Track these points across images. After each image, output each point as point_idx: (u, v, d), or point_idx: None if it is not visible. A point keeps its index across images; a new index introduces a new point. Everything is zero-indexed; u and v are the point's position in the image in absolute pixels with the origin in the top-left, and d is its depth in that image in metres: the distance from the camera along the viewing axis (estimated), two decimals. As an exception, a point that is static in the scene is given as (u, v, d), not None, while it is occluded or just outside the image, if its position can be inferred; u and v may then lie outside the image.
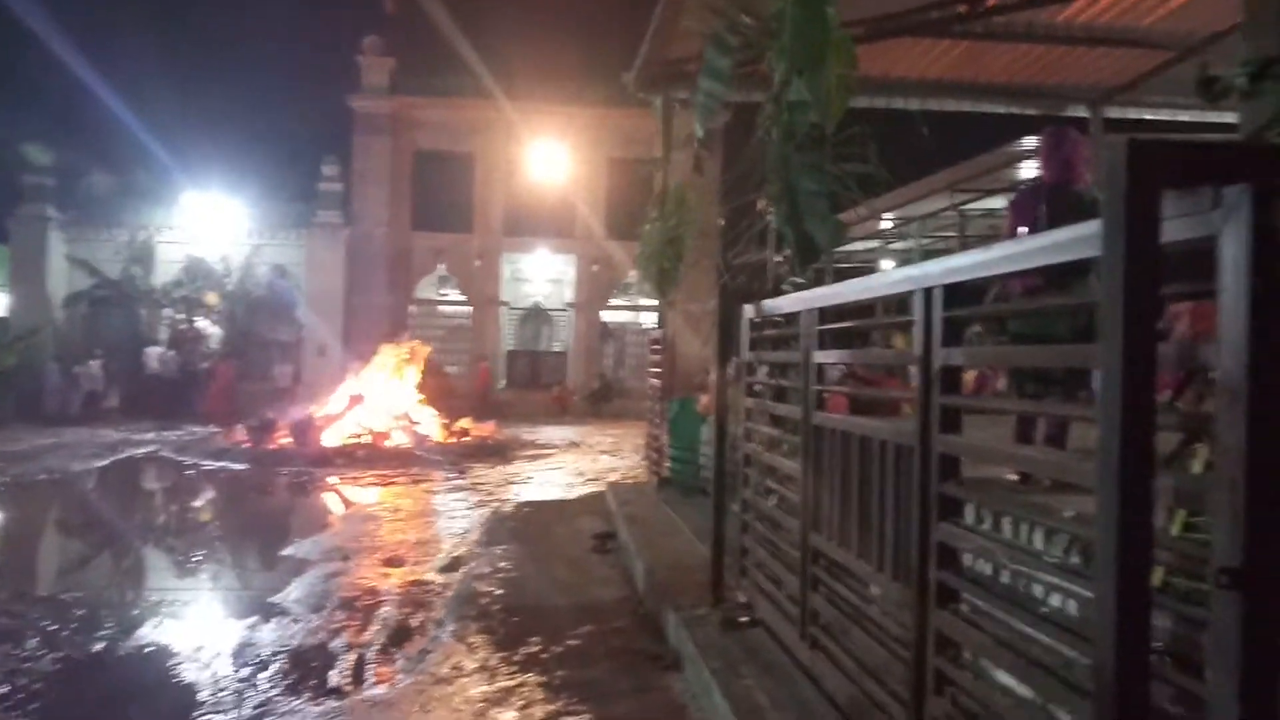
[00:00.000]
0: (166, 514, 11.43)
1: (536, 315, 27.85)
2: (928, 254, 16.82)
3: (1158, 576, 1.78)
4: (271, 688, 4.68)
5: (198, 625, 6.01)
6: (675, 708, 4.30)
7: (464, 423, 17.82)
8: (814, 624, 3.78)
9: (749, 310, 5.00)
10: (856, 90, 4.89)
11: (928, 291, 2.84)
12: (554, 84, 25.48)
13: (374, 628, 5.74)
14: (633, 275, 22.99)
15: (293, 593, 6.61)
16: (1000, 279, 3.72)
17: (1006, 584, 2.78)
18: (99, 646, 5.37)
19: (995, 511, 2.93)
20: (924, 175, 14.67)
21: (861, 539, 3.36)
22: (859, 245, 20.24)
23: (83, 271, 24.68)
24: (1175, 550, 1.86)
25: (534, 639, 5.31)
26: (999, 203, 15.08)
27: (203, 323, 25.49)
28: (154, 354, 24.25)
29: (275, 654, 5.19)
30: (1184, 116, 11.19)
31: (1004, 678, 2.47)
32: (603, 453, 16.31)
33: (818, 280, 4.90)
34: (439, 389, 18.96)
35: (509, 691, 4.54)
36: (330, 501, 11.64)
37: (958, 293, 2.76)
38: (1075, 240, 2.08)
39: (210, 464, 14.19)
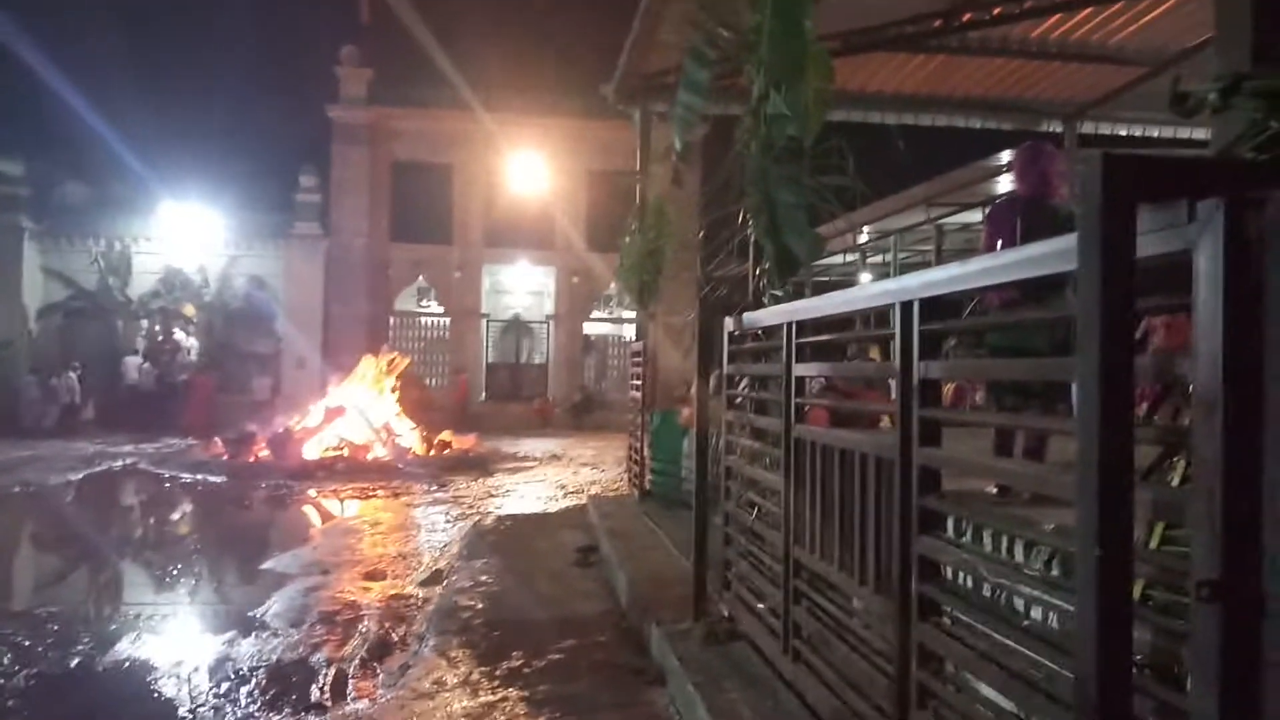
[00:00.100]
0: (144, 527, 11.32)
1: (517, 327, 27.81)
2: (905, 267, 16.94)
3: (1137, 589, 1.80)
4: (251, 703, 4.64)
5: (176, 640, 5.95)
6: (658, 722, 4.30)
7: (445, 435, 17.76)
8: (797, 637, 3.79)
9: (729, 323, 5.01)
10: (834, 104, 4.94)
11: (906, 305, 2.86)
12: (532, 96, 25.50)
13: (355, 642, 5.70)
14: (613, 287, 23.02)
15: (272, 607, 6.56)
16: (978, 292, 3.76)
17: (988, 597, 2.79)
18: (75, 662, 5.31)
19: (976, 524, 2.95)
20: (901, 189, 14.79)
21: (843, 552, 3.37)
22: (837, 259, 20.35)
23: (58, 283, 24.46)
24: (1154, 563, 1.88)
25: (516, 653, 5.28)
26: (975, 217, 15.21)
27: (180, 334, 25.29)
28: (132, 364, 24.04)
29: (255, 669, 5.15)
30: (1156, 131, 11.36)
31: (987, 691, 2.49)
32: (584, 465, 16.29)
33: (797, 293, 4.93)
34: (418, 401, 18.88)
35: (491, 706, 4.52)
36: (310, 515, 11.56)
37: (936, 306, 2.78)
38: (1052, 254, 2.10)
39: (188, 477, 14.07)
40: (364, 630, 5.96)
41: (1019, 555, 2.73)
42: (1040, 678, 2.18)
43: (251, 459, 15.14)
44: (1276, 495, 1.47)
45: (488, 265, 26.88)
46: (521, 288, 27.59)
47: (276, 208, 25.70)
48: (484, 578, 7.40)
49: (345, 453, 15.44)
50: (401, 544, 9.22)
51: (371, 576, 7.60)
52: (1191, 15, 8.31)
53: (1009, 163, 11.66)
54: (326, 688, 4.89)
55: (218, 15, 36.73)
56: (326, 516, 11.32)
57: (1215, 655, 1.45)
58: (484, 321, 27.02)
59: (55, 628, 5.96)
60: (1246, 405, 1.50)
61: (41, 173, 24.62)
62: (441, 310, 26.88)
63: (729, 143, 4.93)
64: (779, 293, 4.72)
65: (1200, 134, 10.84)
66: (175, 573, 8.04)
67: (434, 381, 25.13)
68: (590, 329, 27.79)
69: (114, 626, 6.11)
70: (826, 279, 20.29)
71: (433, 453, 16.63)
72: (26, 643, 5.60)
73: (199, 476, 14.08)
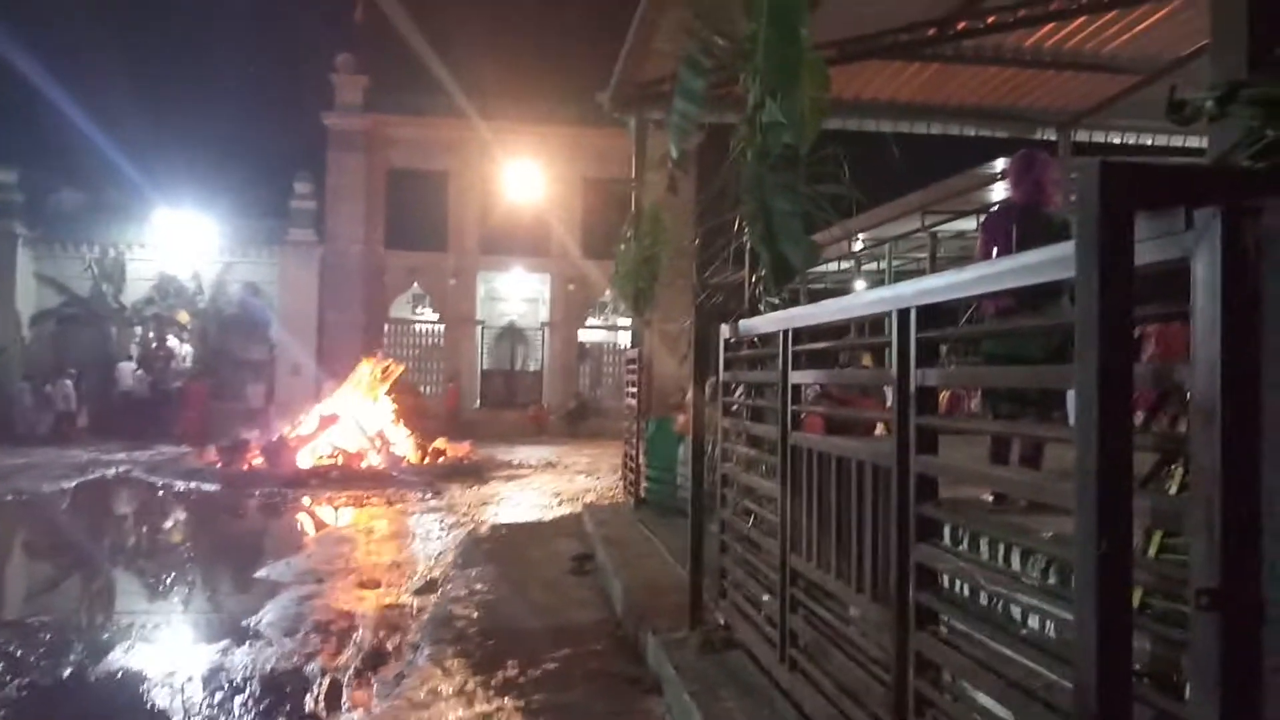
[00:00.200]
0: (138, 535, 11.29)
1: (512, 334, 27.80)
2: (899, 275, 16.97)
3: (1135, 597, 1.80)
4: (245, 713, 4.63)
5: (170, 649, 5.92)
6: (654, 730, 4.29)
7: (439, 443, 17.72)
8: (794, 645, 3.78)
9: (725, 330, 5.01)
10: (829, 112, 4.94)
11: (903, 312, 2.85)
12: (528, 103, 25.54)
13: (349, 651, 5.68)
14: (608, 294, 23.03)
15: (266, 616, 6.53)
16: (974, 300, 3.77)
17: (985, 605, 2.79)
18: (68, 672, 5.28)
19: (973, 532, 2.94)
20: (896, 197, 14.82)
21: (840, 560, 3.37)
22: (832, 266, 20.38)
23: (51, 289, 24.39)
24: (1153, 571, 1.87)
25: (511, 662, 5.27)
26: (970, 224, 15.24)
27: (174, 341, 25.24)
28: (127, 370, 23.97)
29: (249, 678, 5.13)
30: (1150, 139, 11.39)
31: (984, 699, 2.48)
32: (579, 473, 16.26)
33: (792, 300, 4.93)
34: (412, 408, 18.84)
35: (486, 716, 4.50)
36: (304, 523, 11.53)
37: (933, 314, 2.78)
38: (1049, 262, 2.11)
39: (182, 484, 14.02)
40: (358, 639, 5.94)
41: (1016, 563, 2.73)
42: (1038, 686, 2.18)
43: (245, 467, 15.10)
44: (1275, 502, 1.47)
45: (483, 272, 26.88)
46: (516, 295, 27.59)
47: (271, 214, 25.68)
48: (479, 586, 7.37)
49: (339, 460, 15.40)
50: (396, 552, 9.20)
51: (366, 585, 7.57)
52: (1185, 24, 8.34)
53: (1003, 170, 11.69)
54: (321, 697, 4.87)
55: (213, 23, 36.76)
56: (320, 525, 11.28)
57: (1215, 663, 1.44)
58: (479, 329, 27.00)
59: (48, 636, 5.93)
60: (1244, 413, 1.50)
61: (35, 179, 24.56)
62: (436, 317, 26.87)
63: (724, 150, 4.94)
64: (775, 300, 4.72)
65: (1194, 142, 10.88)
66: (168, 581, 8.01)
67: (429, 389, 25.08)
68: (585, 336, 27.79)
69: (107, 635, 6.08)
70: (821, 286, 20.32)
71: (427, 460, 16.60)
72: (19, 652, 5.57)
73: (193, 484, 14.02)
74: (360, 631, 6.13)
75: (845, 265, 20.73)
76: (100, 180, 25.61)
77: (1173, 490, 1.99)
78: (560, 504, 12.36)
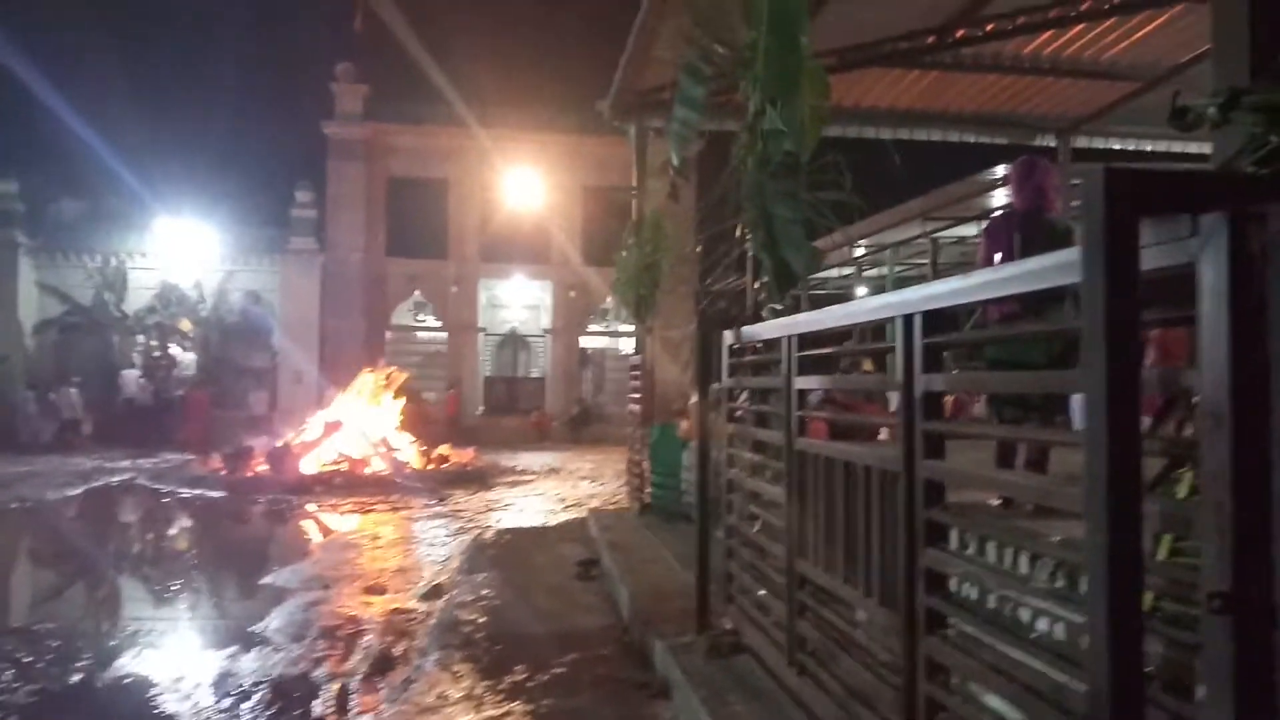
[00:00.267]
0: (143, 542, 11.29)
1: (514, 341, 27.85)
2: (900, 281, 17.00)
3: (1146, 601, 1.82)
4: (253, 718, 4.64)
5: (177, 655, 5.94)
6: (663, 735, 4.30)
7: (443, 449, 17.74)
8: (802, 650, 3.80)
9: (728, 336, 5.03)
10: (830, 119, 4.96)
11: (908, 318, 2.88)
12: (528, 111, 25.62)
13: (356, 657, 5.69)
14: (610, 301, 23.06)
15: (273, 622, 6.55)
16: (979, 305, 3.79)
17: (993, 609, 2.81)
18: (76, 678, 5.29)
19: (981, 536, 2.96)
20: (897, 203, 14.86)
21: (848, 565, 3.39)
22: (834, 272, 20.41)
23: (53, 298, 24.46)
24: (1163, 575, 1.90)
25: (519, 667, 5.28)
26: (970, 230, 15.28)
27: (176, 349, 25.27)
28: (131, 377, 24.03)
29: (257, 684, 5.13)
30: (1149, 146, 11.42)
31: (995, 702, 2.50)
32: (582, 479, 16.28)
33: (794, 306, 4.95)
34: (415, 415, 18.88)
35: (494, 721, 4.52)
36: (309, 529, 11.54)
37: (938, 319, 2.80)
38: (1053, 267, 2.13)
39: (187, 492, 14.04)
40: (366, 645, 5.95)
41: (1024, 567, 2.75)
42: (1048, 689, 2.20)
43: (249, 474, 15.12)
44: (1284, 506, 1.49)
45: (484, 280, 26.94)
46: (518, 302, 27.64)
47: (272, 223, 25.76)
48: (485, 592, 7.39)
49: (343, 467, 15.42)
50: (401, 558, 9.21)
51: (372, 591, 7.58)
52: (1184, 31, 8.37)
53: (1004, 177, 11.72)
54: (329, 703, 4.88)
55: (214, 32, 36.84)
56: (325, 531, 11.30)
57: (1228, 665, 1.47)
58: (481, 335, 27.04)
59: (56, 644, 5.94)
60: (1254, 416, 1.52)
61: (36, 188, 24.66)
62: (438, 325, 26.90)
63: (724, 158, 4.96)
64: (778, 306, 4.75)
65: (1194, 148, 10.92)
66: (175, 588, 8.03)
67: (432, 396, 25.12)
68: (587, 342, 27.82)
69: (114, 642, 6.09)
70: (823, 292, 20.35)
71: (431, 467, 16.62)
72: (27, 659, 5.59)
73: (197, 492, 14.05)
74: (367, 637, 6.13)
75: (846, 271, 20.77)
76: (101, 189, 25.75)
77: (1182, 494, 2.01)
78: (564, 509, 12.38)
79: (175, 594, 7.82)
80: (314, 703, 4.89)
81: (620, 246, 10.29)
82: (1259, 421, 1.51)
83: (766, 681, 4.15)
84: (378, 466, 15.84)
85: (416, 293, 26.71)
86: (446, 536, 10.31)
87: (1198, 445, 1.67)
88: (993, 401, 4.88)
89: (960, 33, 8.47)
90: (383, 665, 5.53)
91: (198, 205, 24.73)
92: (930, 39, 8.55)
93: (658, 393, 10.79)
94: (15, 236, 23.68)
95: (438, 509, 12.55)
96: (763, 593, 4.39)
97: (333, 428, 16.32)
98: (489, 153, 24.76)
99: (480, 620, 6.48)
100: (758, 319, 4.85)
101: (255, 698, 4.92)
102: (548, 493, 14.43)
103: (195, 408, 22.81)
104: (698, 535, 5.20)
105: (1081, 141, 11.29)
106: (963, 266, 14.57)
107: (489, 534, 10.38)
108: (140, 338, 25.03)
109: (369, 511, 12.35)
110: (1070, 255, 1.99)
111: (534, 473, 17.23)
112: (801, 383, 4.01)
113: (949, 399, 9.97)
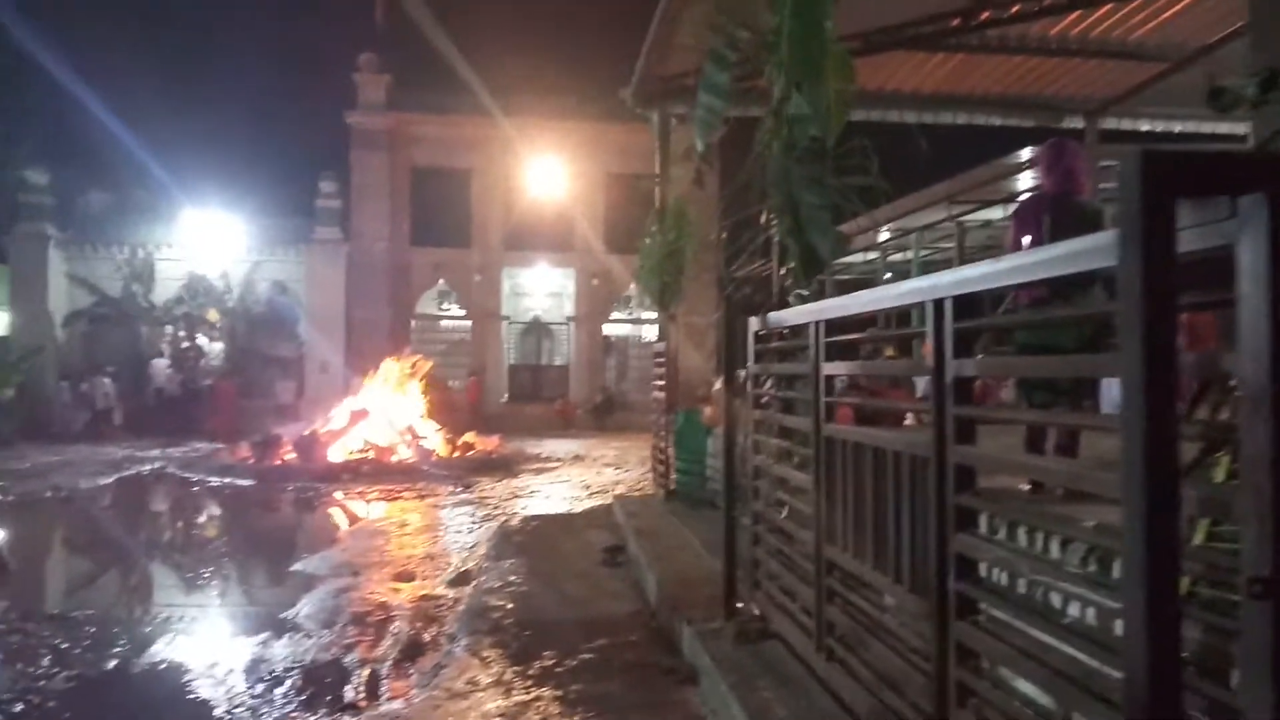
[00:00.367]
0: (174, 530, 11.45)
1: (537, 329, 27.90)
2: (926, 265, 16.88)
3: (1183, 586, 1.81)
4: (286, 704, 4.70)
5: (210, 641, 6.02)
6: (693, 721, 4.32)
7: (468, 437, 17.84)
8: (830, 636, 3.80)
9: (754, 322, 5.02)
10: (855, 104, 4.93)
11: (938, 303, 2.86)
12: (551, 99, 25.58)
13: (386, 643, 5.75)
14: (633, 289, 23.06)
15: (304, 608, 6.62)
16: (1010, 290, 3.76)
17: (1024, 594, 2.80)
18: (112, 664, 5.39)
19: (1011, 521, 2.95)
20: (922, 187, 14.73)
21: (877, 551, 3.38)
22: (858, 257, 20.28)
23: (83, 289, 24.72)
24: (1200, 559, 1.88)
25: (547, 653, 5.32)
26: (997, 214, 15.14)
27: (204, 340, 25.51)
28: (160, 367, 24.28)
29: (289, 670, 5.20)
30: (1179, 127, 11.28)
31: (1026, 688, 2.49)
32: (607, 465, 16.33)
33: (819, 292, 4.93)
34: (441, 403, 18.99)
35: (525, 706, 4.55)
36: (337, 516, 11.65)
37: (968, 304, 2.78)
38: (1085, 251, 2.10)
39: (216, 480, 14.22)
40: (395, 631, 6.01)
41: (1055, 552, 2.74)
42: (1080, 674, 2.19)
43: (278, 462, 15.27)
44: (1324, 490, 1.47)
45: (507, 268, 26.99)
46: (541, 290, 27.68)
47: (297, 213, 25.89)
48: (512, 578, 7.44)
49: (370, 455, 15.55)
50: (429, 545, 9.28)
51: (401, 577, 7.65)
52: (1212, 10, 8.25)
53: (1031, 159, 11.61)
54: (361, 688, 4.94)
55: (238, 24, 37.03)
56: (353, 518, 11.40)
57: (1267, 650, 1.45)
58: (504, 324, 27.12)
59: (92, 630, 6.04)
60: (1294, 400, 1.50)
61: (66, 181, 24.91)
62: (462, 313, 27.00)
63: (748, 144, 4.94)
64: (804, 292, 4.73)
65: (1224, 129, 10.77)
66: (206, 575, 8.13)
67: (456, 384, 25.23)
68: (610, 330, 27.83)
69: (148, 628, 6.19)
70: (847, 277, 20.23)
71: (456, 454, 16.72)
72: (64, 645, 5.68)
73: (227, 480, 14.21)
74: (397, 623, 6.20)
75: (871, 256, 20.63)
76: (129, 181, 25.99)
77: (1219, 478, 2.00)
78: (590, 496, 12.43)
79: (206, 581, 7.92)
80: (346, 688, 4.95)
81: (643, 233, 10.29)
82: (1300, 404, 1.50)
83: (795, 667, 4.15)
84: (404, 454, 15.96)
85: (441, 281, 26.81)
86: (473, 523, 10.38)
87: (1235, 429, 1.66)
88: (1022, 386, 4.85)
89: (985, 15, 8.39)
90: (413, 651, 5.58)
91: (223, 197, 24.91)
92: (955, 21, 8.47)
93: (682, 380, 10.79)
94: (46, 229, 23.93)
95: (464, 496, 12.63)
96: (791, 579, 4.39)
97: (359, 416, 16.44)
98: (512, 141, 24.76)
99: (508, 606, 6.53)
100: (784, 305, 4.84)
101: (288, 683, 4.99)
102: (573, 480, 14.48)
103: (223, 397, 23.03)
104: (725, 521, 5.21)
105: (1109, 123, 11.17)
106: (988, 250, 14.47)
107: (515, 521, 10.44)
108: (168, 328, 25.27)
109: (396, 499, 12.45)
110: (1103, 239, 1.97)
111: (559, 460, 17.29)
112: (830, 368, 4.00)
113: (977, 385, 9.94)
